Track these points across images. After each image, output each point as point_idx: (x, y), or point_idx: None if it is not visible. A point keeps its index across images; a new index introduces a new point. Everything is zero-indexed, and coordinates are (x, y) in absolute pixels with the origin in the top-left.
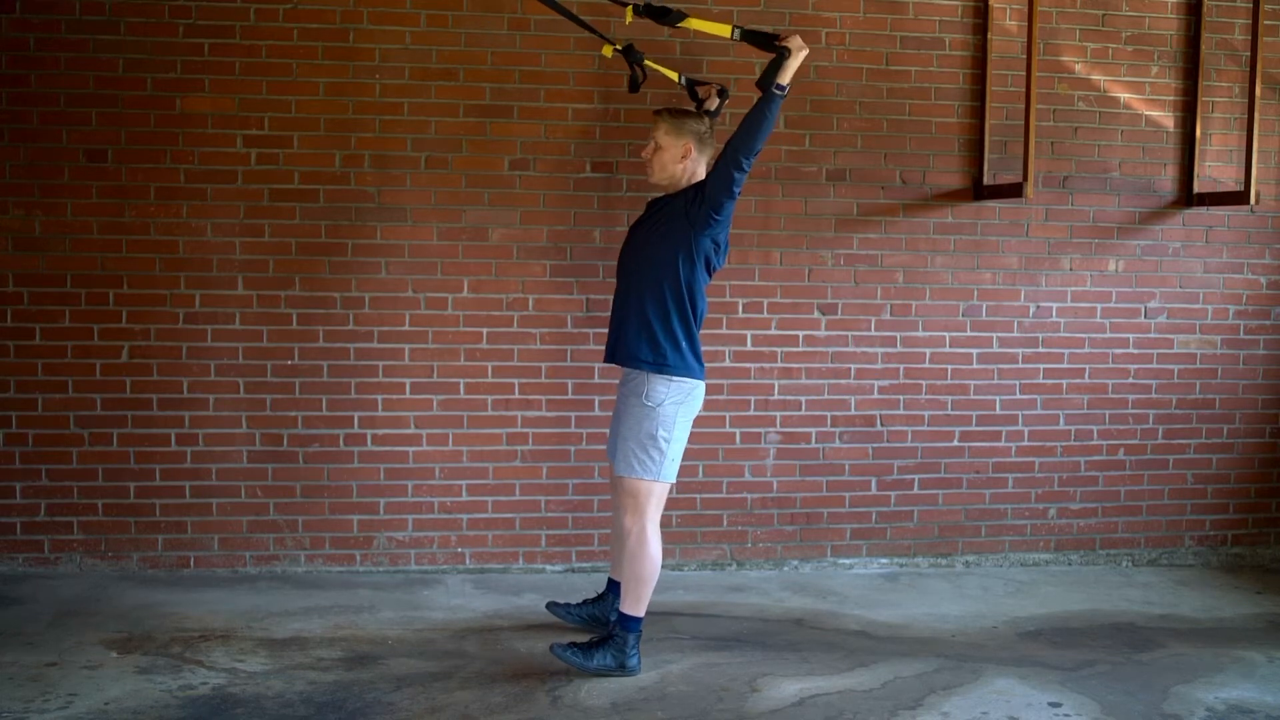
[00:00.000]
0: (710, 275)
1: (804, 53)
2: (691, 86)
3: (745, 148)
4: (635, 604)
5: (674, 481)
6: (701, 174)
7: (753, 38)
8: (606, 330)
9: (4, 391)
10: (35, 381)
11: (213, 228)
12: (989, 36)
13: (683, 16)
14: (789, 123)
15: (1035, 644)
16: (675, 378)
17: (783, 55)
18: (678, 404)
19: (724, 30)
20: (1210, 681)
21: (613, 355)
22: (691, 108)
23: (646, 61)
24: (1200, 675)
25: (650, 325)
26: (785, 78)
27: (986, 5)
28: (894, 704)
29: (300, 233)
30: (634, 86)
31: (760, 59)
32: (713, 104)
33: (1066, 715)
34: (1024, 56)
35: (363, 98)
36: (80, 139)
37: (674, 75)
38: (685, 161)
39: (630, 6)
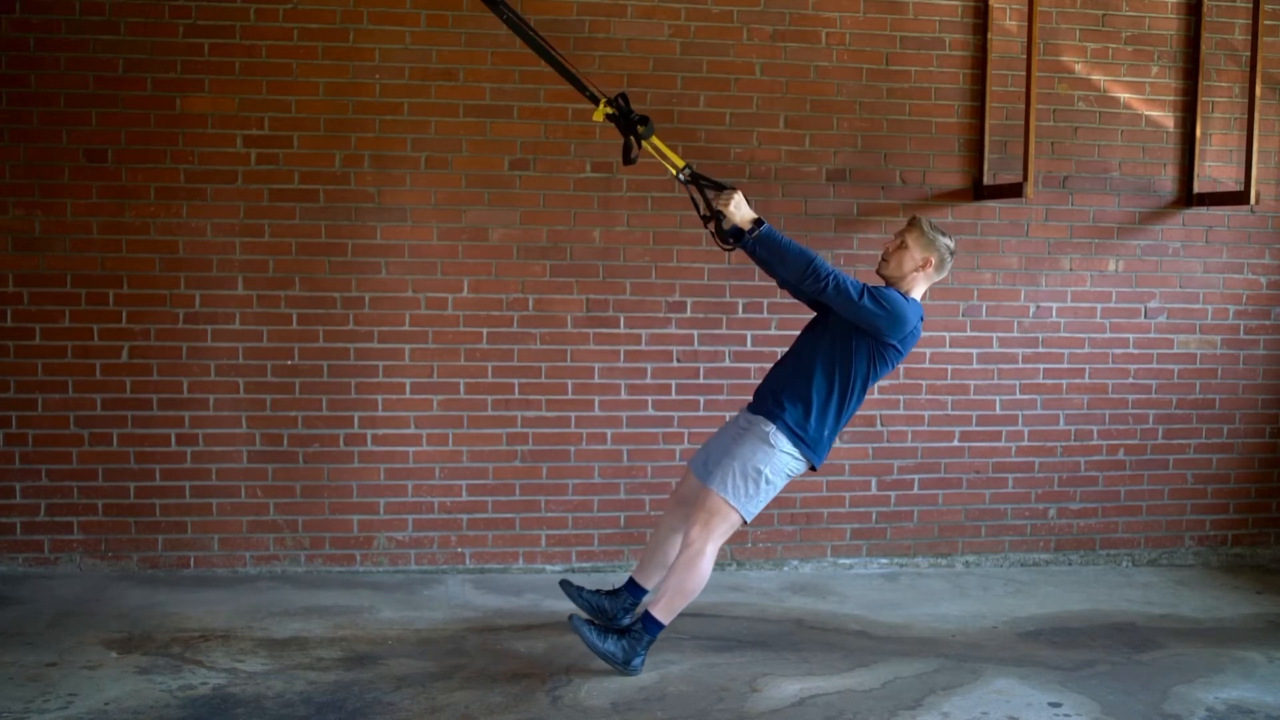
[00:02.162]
0: (880, 376)
1: (737, 198)
2: (698, 181)
3: (799, 278)
4: (668, 612)
5: (749, 522)
6: (918, 291)
7: (698, 181)
8: (763, 376)
9: (4, 391)
10: (35, 381)
11: (213, 228)
12: (989, 36)
13: (650, 133)
14: (789, 123)
15: (1035, 644)
16: (800, 454)
17: (717, 219)
18: (791, 458)
19: (678, 162)
20: (1210, 681)
21: (759, 407)
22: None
23: (654, 141)
24: (1200, 675)
25: (810, 400)
26: (744, 224)
27: (986, 5)
28: (894, 704)
29: (300, 233)
30: (627, 158)
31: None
32: (731, 218)
33: (1066, 715)
34: (1024, 56)
35: (363, 98)
36: (80, 139)
37: (676, 166)
38: (920, 272)
39: (604, 102)
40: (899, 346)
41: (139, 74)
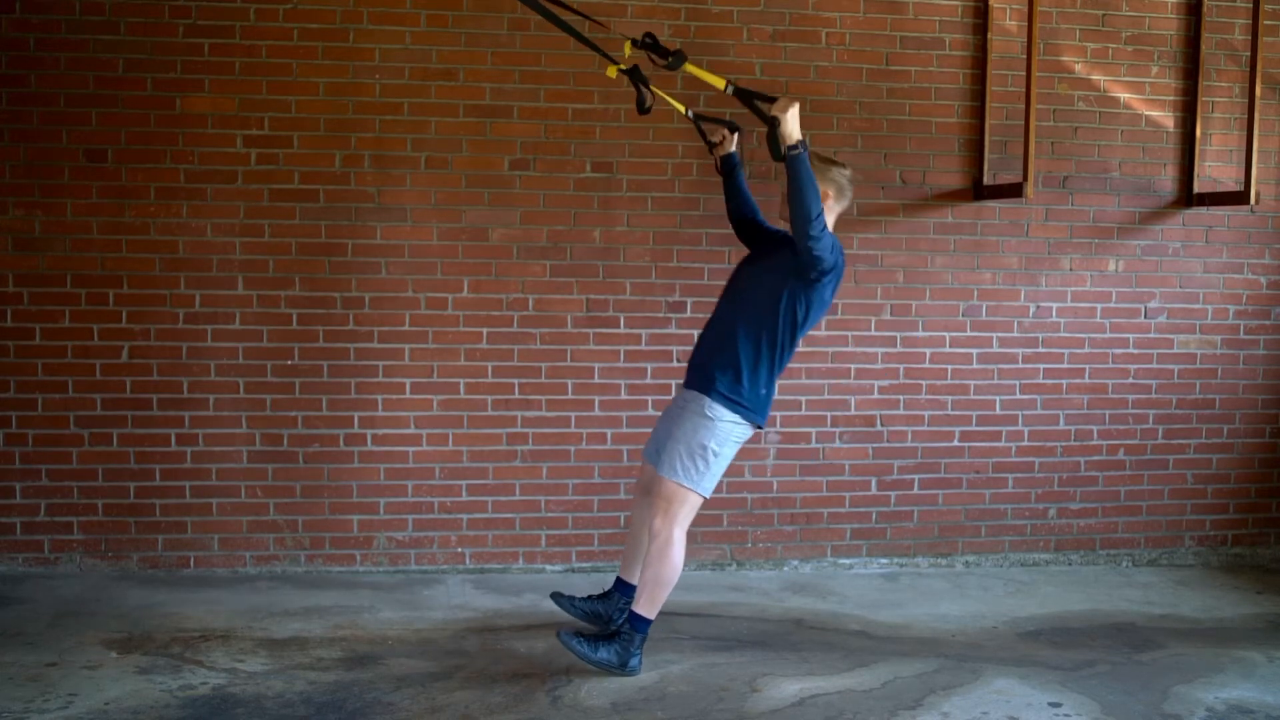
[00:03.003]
0: (809, 326)
1: (794, 112)
2: (699, 123)
3: (801, 218)
4: (650, 606)
5: (708, 497)
6: (830, 223)
7: (744, 96)
8: (690, 349)
9: (4, 391)
10: (35, 381)
11: (213, 228)
12: (989, 36)
13: (682, 60)
14: None
15: (1035, 644)
16: (741, 418)
17: (774, 125)
18: (734, 424)
19: (718, 82)
20: (1210, 681)
21: (694, 382)
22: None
23: (655, 89)
24: (1200, 675)
25: (738, 362)
26: (793, 138)
27: (986, 5)
28: (894, 704)
29: (300, 233)
30: (642, 108)
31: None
32: (729, 145)
33: (1066, 715)
34: (1024, 56)
35: (363, 98)
36: (80, 139)
37: (681, 107)
38: (823, 204)
39: (630, 40)
40: (828, 284)
41: (139, 74)
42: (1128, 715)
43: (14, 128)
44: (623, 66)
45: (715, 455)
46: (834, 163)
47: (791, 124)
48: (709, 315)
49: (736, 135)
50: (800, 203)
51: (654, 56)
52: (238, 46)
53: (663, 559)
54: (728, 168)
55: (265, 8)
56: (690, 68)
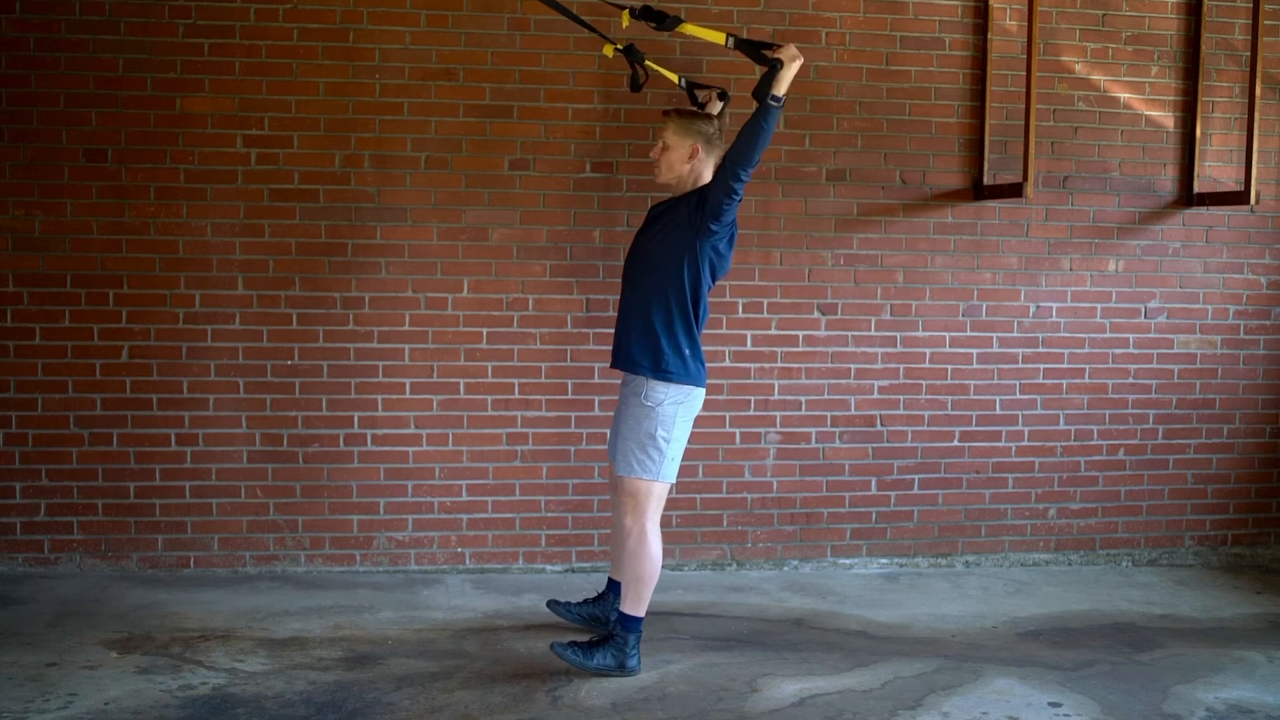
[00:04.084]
0: (714, 281)
1: (798, 63)
2: (691, 89)
3: (743, 159)
4: (636, 604)
5: (674, 482)
6: (708, 176)
7: (746, 47)
8: (611, 331)
9: (4, 391)
10: (35, 381)
11: (213, 228)
12: (989, 36)
13: (679, 21)
14: (789, 123)
15: (1035, 644)
16: (675, 384)
17: (775, 67)
18: (677, 404)
19: (718, 37)
20: (1210, 681)
21: (616, 360)
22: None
23: (648, 62)
24: (1200, 675)
25: (654, 331)
26: (780, 89)
27: (986, 5)
28: (894, 704)
29: (300, 233)
30: (635, 86)
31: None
32: (714, 108)
33: (1066, 715)
34: (1024, 56)
35: (363, 98)
36: (80, 139)
37: (674, 77)
38: (692, 162)
39: (627, 10)
40: (723, 236)
41: (139, 74)
42: (1128, 715)
43: (14, 128)
44: (619, 46)
45: (666, 441)
46: (695, 115)
47: (791, 70)
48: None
49: (724, 103)
50: (751, 149)
51: (653, 25)
52: (238, 46)
53: (639, 555)
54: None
55: (265, 8)
56: (689, 28)
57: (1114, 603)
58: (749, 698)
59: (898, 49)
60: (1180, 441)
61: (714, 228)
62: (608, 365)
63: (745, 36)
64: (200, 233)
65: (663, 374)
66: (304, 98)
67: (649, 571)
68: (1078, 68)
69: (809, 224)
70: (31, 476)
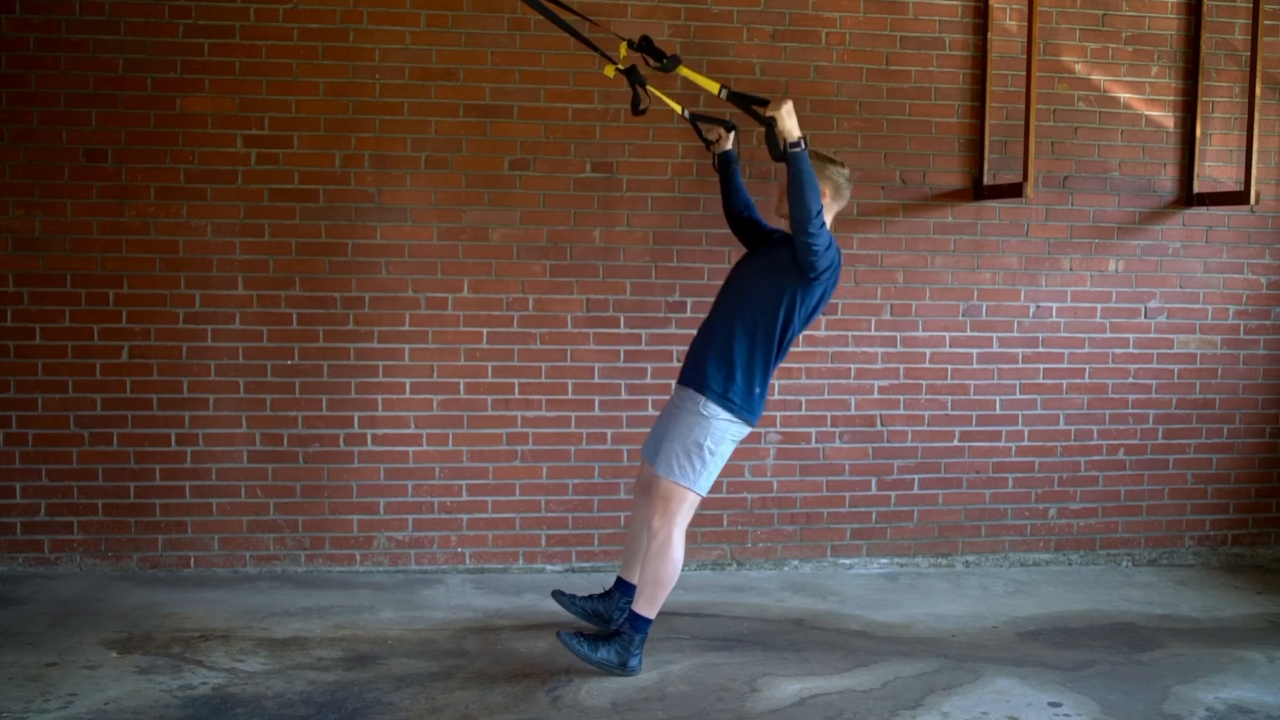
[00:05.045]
0: (805, 326)
1: (788, 109)
2: (695, 122)
3: (801, 215)
4: (649, 605)
5: (705, 495)
6: (828, 221)
7: (739, 100)
8: (686, 349)
9: (4, 391)
10: (35, 381)
11: (213, 228)
12: (989, 36)
13: (677, 62)
14: None
15: (1035, 644)
16: (735, 417)
17: (770, 125)
18: (729, 423)
19: (713, 86)
20: (1210, 681)
21: (686, 378)
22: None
23: (651, 89)
24: (1200, 675)
25: (732, 360)
26: (792, 135)
27: (986, 5)
28: (894, 704)
29: (300, 233)
30: (637, 109)
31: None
32: (725, 143)
33: (1066, 715)
34: (1024, 56)
35: (363, 98)
36: (80, 139)
37: (677, 108)
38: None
39: (626, 41)
40: (825, 283)
41: (139, 74)
42: (1128, 715)
43: (14, 128)
44: (621, 66)
45: (711, 454)
46: (832, 161)
47: (788, 122)
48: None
49: (733, 134)
50: (800, 200)
51: (649, 59)
52: (238, 46)
53: (662, 558)
54: (724, 165)
55: (265, 8)
56: (685, 71)
57: (1114, 603)
58: (749, 698)
59: (898, 49)
60: (1180, 441)
61: (814, 275)
62: (609, 365)
63: (736, 90)
64: (200, 233)
65: (727, 403)
66: (304, 98)
67: (668, 575)
68: (1078, 68)
69: None
70: (31, 476)
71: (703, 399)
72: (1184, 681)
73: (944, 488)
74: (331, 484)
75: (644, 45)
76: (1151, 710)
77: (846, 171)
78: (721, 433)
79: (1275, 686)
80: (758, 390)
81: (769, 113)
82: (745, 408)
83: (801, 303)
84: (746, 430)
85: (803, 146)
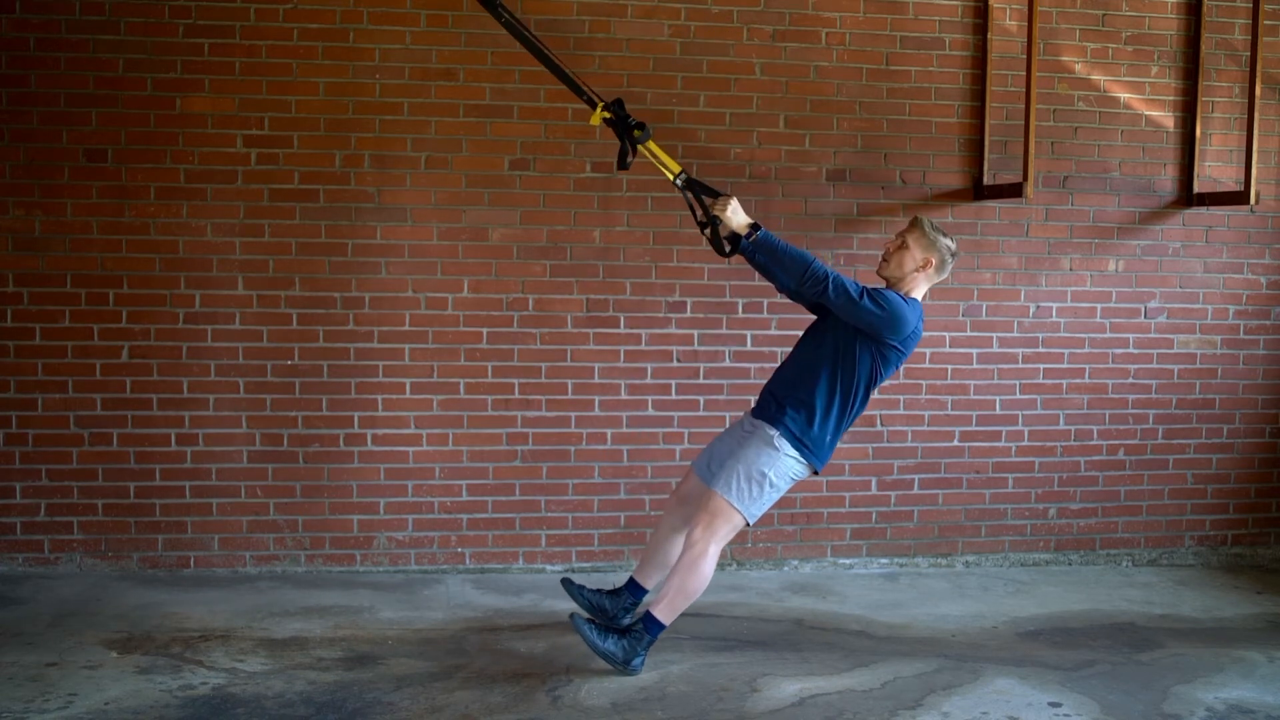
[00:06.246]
0: (883, 381)
1: (734, 210)
2: (689, 189)
3: (811, 287)
4: (669, 612)
5: (752, 526)
6: (918, 292)
7: (692, 187)
8: (765, 381)
9: (4, 391)
10: (35, 381)
11: (213, 228)
12: (989, 36)
13: (647, 137)
14: (789, 123)
15: (1035, 644)
16: (803, 457)
17: (714, 225)
18: (796, 462)
19: (672, 169)
20: (1210, 681)
21: (763, 412)
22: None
23: (650, 145)
24: (1200, 675)
25: (813, 406)
26: (740, 229)
27: (986, 5)
28: (894, 704)
29: (300, 233)
30: (622, 162)
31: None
32: (729, 223)
33: (1066, 715)
34: (1024, 56)
35: (363, 98)
36: (80, 139)
37: (669, 174)
38: (920, 272)
39: (601, 106)
40: (900, 347)
41: (139, 74)
42: (1128, 715)
43: (14, 128)
44: (607, 115)
45: (771, 486)
46: (942, 233)
47: (733, 218)
48: (788, 348)
49: (732, 205)
50: (787, 273)
51: (619, 133)
52: (238, 46)
53: (694, 569)
54: (736, 250)
55: (265, 8)
56: (652, 146)
57: (1114, 603)
58: (749, 698)
59: (898, 49)
60: (1180, 441)
61: (892, 340)
62: (609, 365)
63: (692, 178)
64: (200, 233)
65: (799, 444)
66: (304, 98)
67: (694, 588)
68: (1078, 68)
69: (809, 224)
70: (31, 476)
71: (777, 433)
72: (1184, 681)
73: (944, 488)
74: (331, 484)
75: (616, 109)
76: (1151, 710)
77: (954, 245)
78: (786, 469)
79: (1275, 686)
80: (829, 439)
81: (715, 210)
82: (815, 453)
83: (882, 360)
84: (808, 474)
85: (755, 235)
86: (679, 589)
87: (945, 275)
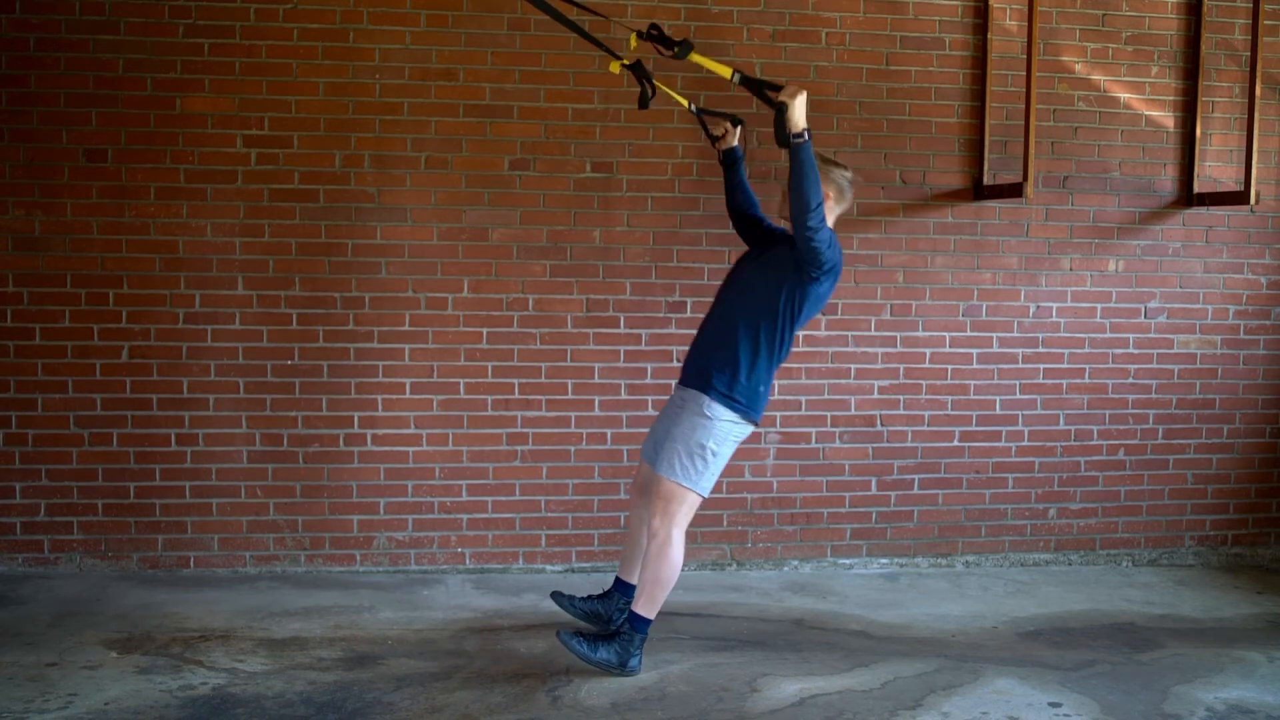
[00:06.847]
0: (805, 323)
1: (802, 99)
2: (702, 117)
3: (800, 207)
4: (649, 606)
5: (707, 496)
6: (830, 222)
7: (751, 85)
8: (687, 348)
9: (4, 391)
10: (35, 381)
11: (213, 228)
12: (989, 36)
13: (690, 48)
14: None
15: (1035, 644)
16: (739, 416)
17: (781, 110)
18: (732, 424)
19: (725, 71)
20: (1210, 681)
21: (689, 379)
22: (712, 132)
23: (658, 84)
24: (1200, 675)
25: (736, 360)
26: (798, 126)
27: (986, 5)
28: (894, 704)
29: (300, 233)
30: (644, 103)
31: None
32: (732, 138)
33: (1066, 715)
34: (1024, 56)
35: (363, 98)
36: (80, 139)
37: (684, 102)
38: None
39: (635, 32)
40: (819, 279)
41: (139, 74)
42: (1128, 715)
43: (14, 128)
44: (626, 62)
45: (714, 455)
46: (835, 164)
47: (798, 111)
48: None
49: (739, 129)
50: (801, 191)
51: (660, 48)
52: (238, 46)
53: (661, 558)
54: (729, 161)
55: (265, 8)
56: (697, 57)
57: (1114, 603)
58: (749, 698)
59: (898, 49)
60: (1180, 441)
61: (816, 274)
62: (609, 365)
63: (751, 75)
64: (200, 233)
65: (732, 402)
66: (304, 98)
67: (667, 576)
68: (1078, 68)
69: None
70: (31, 476)
71: (706, 399)
72: (1184, 681)
73: (944, 488)
74: (331, 484)
75: (654, 34)
76: (1151, 710)
77: (849, 174)
78: (724, 434)
79: (1275, 686)
80: (762, 389)
81: (781, 98)
82: (750, 406)
83: (802, 300)
84: (749, 430)
85: (806, 138)
86: (653, 580)
87: (847, 204)
